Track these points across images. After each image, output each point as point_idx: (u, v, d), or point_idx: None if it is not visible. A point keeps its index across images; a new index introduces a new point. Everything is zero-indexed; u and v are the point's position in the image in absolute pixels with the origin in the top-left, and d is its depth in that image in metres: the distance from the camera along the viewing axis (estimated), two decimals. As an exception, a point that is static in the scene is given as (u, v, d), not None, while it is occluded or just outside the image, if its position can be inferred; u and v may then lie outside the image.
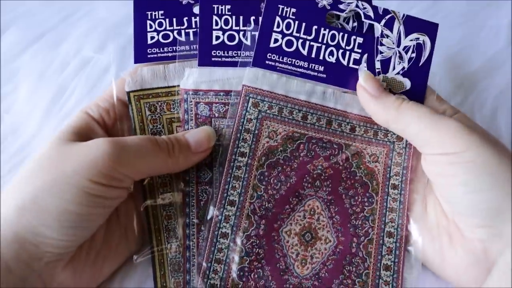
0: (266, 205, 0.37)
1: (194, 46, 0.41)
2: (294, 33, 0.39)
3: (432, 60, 0.39)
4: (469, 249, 0.35)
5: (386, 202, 0.38)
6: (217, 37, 0.40)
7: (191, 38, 0.41)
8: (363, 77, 0.37)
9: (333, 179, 0.38)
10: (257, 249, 0.37)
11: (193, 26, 0.42)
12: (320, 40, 0.39)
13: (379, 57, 0.39)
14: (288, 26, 0.39)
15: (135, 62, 0.41)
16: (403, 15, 0.38)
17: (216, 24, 0.40)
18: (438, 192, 0.37)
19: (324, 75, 0.39)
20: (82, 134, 0.37)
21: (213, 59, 0.40)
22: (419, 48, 0.39)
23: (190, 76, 0.39)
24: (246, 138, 0.38)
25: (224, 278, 0.36)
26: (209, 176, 0.39)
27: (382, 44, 0.38)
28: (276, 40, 0.39)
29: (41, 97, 0.51)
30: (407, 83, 0.39)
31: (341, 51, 0.39)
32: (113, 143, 0.34)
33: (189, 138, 0.37)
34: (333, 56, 0.39)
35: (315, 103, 0.39)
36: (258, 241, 0.37)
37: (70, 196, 0.32)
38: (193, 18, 0.42)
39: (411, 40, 0.39)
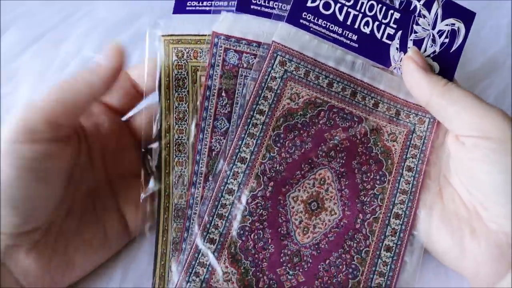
0: (277, 168, 0.36)
1: (232, 2, 0.39)
2: (333, -4, 0.37)
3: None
4: (493, 243, 0.34)
5: (398, 183, 0.37)
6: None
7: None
8: (412, 51, 0.37)
9: (348, 152, 0.37)
10: (261, 211, 0.36)
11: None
12: (358, 8, 0.37)
13: (412, 36, 0.37)
14: (327, -12, 0.37)
15: (174, 13, 0.40)
16: (444, -3, 0.37)
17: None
18: (463, 179, 0.35)
19: (356, 45, 0.38)
20: None
21: (252, 7, 0.38)
22: (453, 34, 0.38)
23: (225, 20, 0.38)
24: (267, 96, 0.37)
25: (224, 234, 0.36)
26: (226, 127, 0.38)
27: (417, 24, 0.37)
28: (314, 0, 0.37)
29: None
30: (436, 68, 0.38)
31: (376, 23, 0.37)
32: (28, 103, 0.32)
33: (97, 59, 0.35)
34: (368, 27, 0.38)
35: (342, 72, 0.38)
36: (263, 203, 0.36)
37: (2, 169, 0.30)
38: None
39: (447, 25, 0.38)
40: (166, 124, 0.39)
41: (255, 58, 0.38)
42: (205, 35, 0.39)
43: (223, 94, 0.38)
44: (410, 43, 0.37)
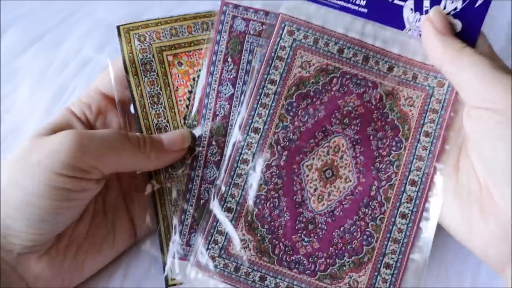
0: (291, 137, 0.37)
1: None
2: (342, -41, 0.36)
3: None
4: (502, 222, 0.32)
5: (415, 149, 0.36)
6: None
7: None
8: (434, 12, 0.35)
9: (363, 119, 0.37)
10: (276, 179, 0.37)
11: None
12: (369, -31, 0.36)
13: (430, -7, 0.36)
14: (336, -49, 0.36)
15: None
16: None
17: None
18: (476, 152, 0.34)
19: (365, 10, 0.36)
20: (60, 130, 0.36)
21: None
22: None
23: None
24: (277, 65, 0.37)
25: (241, 203, 0.37)
26: (230, 92, 0.38)
27: (436, -22, 0.35)
28: (321, -34, 0.36)
29: (41, 97, 0.51)
30: (458, 25, 0.35)
31: (389, -17, 0.36)
32: (79, 134, 0.33)
33: (163, 136, 0.37)
34: (379, -11, 0.36)
35: (352, 37, 0.37)
36: (278, 172, 0.37)
37: (32, 188, 0.32)
38: None
39: None
40: (142, 111, 0.39)
41: (262, 25, 0.38)
42: (166, 17, 0.39)
43: (229, 59, 0.38)
44: (426, 2, 0.36)
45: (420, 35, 0.36)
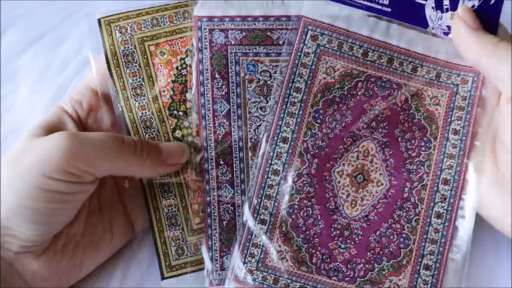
0: (320, 144, 0.36)
1: None
2: (360, -38, 0.36)
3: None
4: None
5: (444, 147, 0.36)
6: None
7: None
8: (462, 9, 0.35)
9: (390, 121, 0.37)
10: (308, 188, 0.36)
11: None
12: (388, -29, 0.36)
13: (449, -9, 0.36)
14: (354, -47, 0.36)
15: None
16: None
17: None
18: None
19: (389, 9, 0.36)
20: (53, 129, 0.36)
21: None
22: None
23: (203, 4, 0.37)
24: (302, 73, 0.36)
25: (274, 214, 0.36)
26: (226, 109, 0.38)
27: (454, -22, 0.35)
28: (340, -32, 0.36)
29: (41, 97, 0.50)
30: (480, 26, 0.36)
31: (409, -17, 0.36)
32: (72, 137, 0.32)
33: (162, 145, 0.36)
34: (400, -11, 0.36)
35: (377, 40, 0.36)
36: (309, 180, 0.36)
37: (24, 192, 0.31)
38: None
39: None
40: (125, 103, 0.39)
41: (241, 33, 0.37)
42: (146, 8, 0.39)
43: (217, 76, 0.38)
44: (446, 1, 0.36)
45: (444, 33, 0.36)
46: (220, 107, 0.38)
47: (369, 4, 0.36)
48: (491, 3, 0.36)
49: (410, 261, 0.36)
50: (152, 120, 0.39)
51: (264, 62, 0.38)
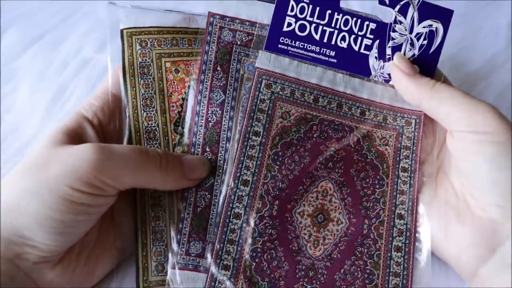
0: (280, 186, 0.37)
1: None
2: (308, 18, 0.39)
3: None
4: (477, 228, 0.35)
5: (396, 184, 0.38)
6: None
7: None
8: (397, 58, 0.38)
9: (345, 161, 0.38)
10: (270, 230, 0.36)
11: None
12: (333, 25, 0.39)
13: (390, 43, 0.39)
14: (302, 10, 0.39)
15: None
16: (418, 1, 0.39)
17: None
18: (457, 168, 0.37)
19: (335, 60, 0.39)
20: (74, 135, 0.36)
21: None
22: (431, 35, 0.39)
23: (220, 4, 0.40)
24: (259, 117, 0.38)
25: (237, 259, 0.36)
26: (221, 98, 0.39)
27: (394, 31, 0.39)
28: (289, 24, 0.39)
29: (41, 97, 0.51)
30: (416, 69, 0.39)
31: (353, 36, 0.39)
32: (99, 151, 0.33)
33: (183, 158, 0.37)
34: (345, 42, 0.39)
35: (325, 87, 0.39)
36: (271, 222, 0.36)
37: (51, 202, 0.31)
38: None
39: (424, 27, 0.39)
40: (133, 112, 0.39)
41: (248, 36, 0.40)
42: (168, 27, 0.41)
43: (218, 68, 0.39)
44: (388, 50, 0.39)
45: (384, 80, 0.39)
46: (216, 95, 0.39)
47: (316, 56, 0.39)
48: (430, 51, 0.40)
49: (376, 297, 0.36)
50: (156, 132, 0.39)
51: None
